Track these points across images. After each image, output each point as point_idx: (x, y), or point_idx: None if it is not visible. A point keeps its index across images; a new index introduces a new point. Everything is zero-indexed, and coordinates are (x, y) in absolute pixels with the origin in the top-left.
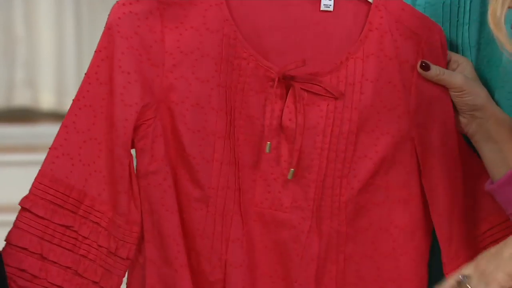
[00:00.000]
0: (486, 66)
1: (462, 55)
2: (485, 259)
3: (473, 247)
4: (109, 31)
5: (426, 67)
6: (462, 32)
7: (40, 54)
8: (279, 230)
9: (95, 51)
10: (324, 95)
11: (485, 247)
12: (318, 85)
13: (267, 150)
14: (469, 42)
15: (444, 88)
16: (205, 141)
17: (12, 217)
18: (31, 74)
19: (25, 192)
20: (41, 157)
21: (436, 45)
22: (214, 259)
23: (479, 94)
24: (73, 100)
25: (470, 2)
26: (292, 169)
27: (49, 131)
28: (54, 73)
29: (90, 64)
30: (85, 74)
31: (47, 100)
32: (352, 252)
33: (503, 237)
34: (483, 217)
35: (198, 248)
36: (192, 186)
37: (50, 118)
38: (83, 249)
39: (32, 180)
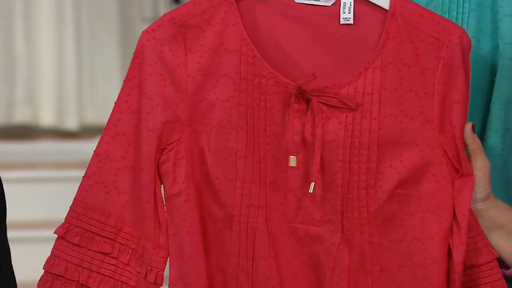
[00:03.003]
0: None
1: None
2: None
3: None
4: (136, 59)
5: (473, 129)
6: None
7: (40, 71)
8: (312, 244)
9: (125, 80)
10: (342, 107)
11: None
12: (335, 98)
13: (291, 163)
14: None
15: (463, 96)
16: (227, 161)
17: (13, 234)
18: (31, 92)
19: (25, 208)
20: (41, 173)
21: (457, 49)
22: (241, 278)
23: (486, 187)
24: (104, 129)
25: None
26: (313, 183)
27: (49, 148)
28: (54, 91)
29: (120, 92)
30: (115, 103)
31: (47, 117)
32: (388, 263)
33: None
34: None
35: (225, 267)
36: (216, 206)
37: (50, 135)
38: (125, 276)
39: (32, 196)
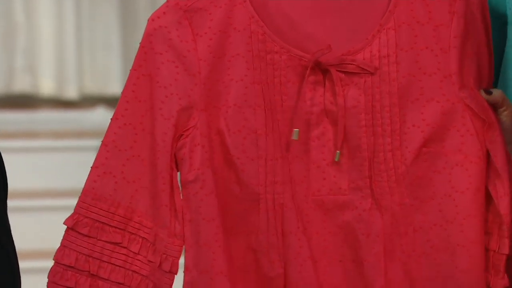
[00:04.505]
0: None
1: None
2: None
3: None
4: (143, 48)
5: (488, 92)
6: None
7: (40, 40)
8: (342, 213)
9: (131, 70)
10: (360, 73)
11: None
12: (352, 64)
13: (294, 136)
14: None
15: (484, 44)
16: (247, 140)
17: (12, 203)
18: (31, 61)
19: (25, 177)
20: (41, 143)
21: (471, 1)
22: (272, 255)
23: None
24: (111, 119)
25: None
26: (338, 151)
27: (49, 117)
28: (54, 60)
29: (126, 83)
30: (122, 93)
31: (47, 86)
32: (421, 223)
33: None
34: None
35: (255, 246)
36: (240, 187)
37: (50, 104)
38: (135, 265)
39: (32, 165)
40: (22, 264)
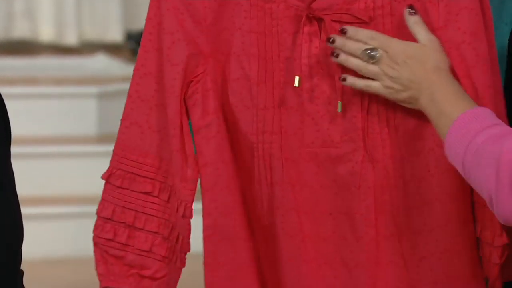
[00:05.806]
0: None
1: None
2: (412, 54)
3: None
4: None
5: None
6: None
7: None
8: (334, 166)
9: (146, 19)
10: (354, 22)
11: None
12: (347, 14)
13: (295, 84)
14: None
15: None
16: (244, 88)
17: (12, 149)
18: (30, 6)
19: (25, 124)
20: (41, 89)
21: None
22: (264, 203)
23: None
24: (133, 70)
25: None
26: (340, 102)
27: (48, 63)
28: (53, 5)
29: (143, 33)
30: (140, 43)
31: (46, 32)
32: (412, 175)
33: None
34: None
35: (252, 193)
36: (241, 134)
37: (50, 50)
38: (167, 213)
39: (31, 111)
40: (24, 210)
